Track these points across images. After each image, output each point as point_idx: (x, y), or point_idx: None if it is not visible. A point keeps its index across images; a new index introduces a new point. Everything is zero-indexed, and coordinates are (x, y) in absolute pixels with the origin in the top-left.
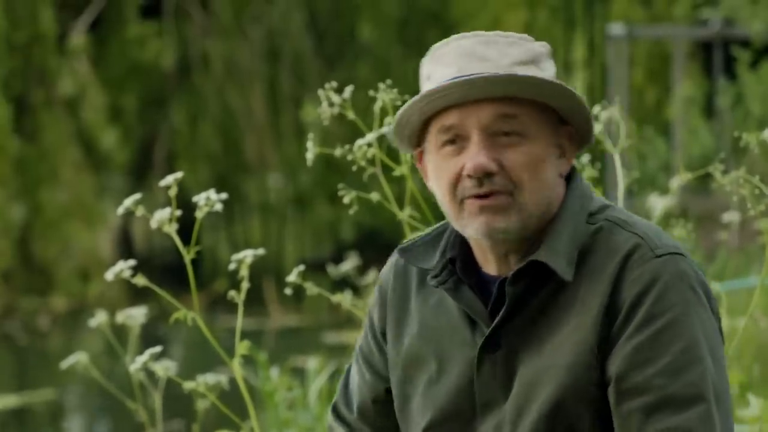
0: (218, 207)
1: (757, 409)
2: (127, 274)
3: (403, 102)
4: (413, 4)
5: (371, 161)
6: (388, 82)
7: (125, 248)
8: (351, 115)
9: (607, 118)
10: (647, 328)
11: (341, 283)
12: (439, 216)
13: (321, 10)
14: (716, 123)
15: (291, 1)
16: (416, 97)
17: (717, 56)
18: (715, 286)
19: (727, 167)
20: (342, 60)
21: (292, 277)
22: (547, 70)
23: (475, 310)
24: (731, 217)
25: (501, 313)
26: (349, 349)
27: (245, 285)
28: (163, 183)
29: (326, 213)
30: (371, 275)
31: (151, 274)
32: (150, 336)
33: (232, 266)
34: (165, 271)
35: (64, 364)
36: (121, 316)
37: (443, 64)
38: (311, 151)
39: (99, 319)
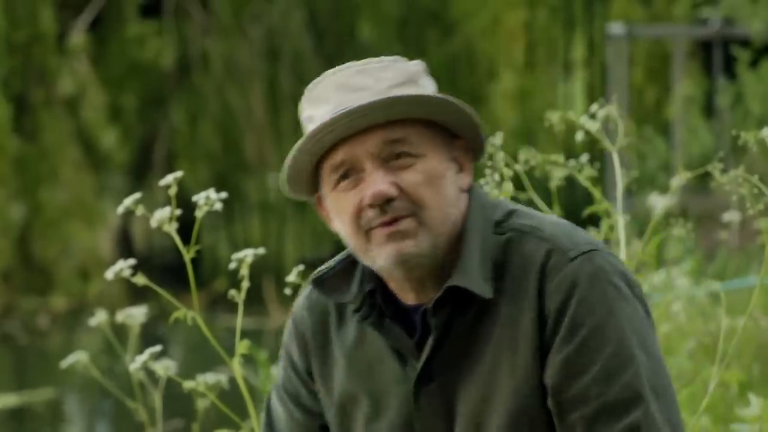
0: (218, 206)
1: (758, 408)
2: (127, 273)
3: None
4: (413, 3)
5: None
6: None
7: (125, 248)
8: None
9: (605, 116)
10: (575, 338)
11: None
12: None
13: (321, 9)
14: (716, 122)
15: (291, 1)
16: (301, 141)
17: (717, 55)
18: (715, 286)
19: (727, 166)
20: (342, 59)
21: (292, 277)
22: (426, 87)
23: (402, 343)
24: (731, 216)
25: (429, 346)
26: None
27: (245, 284)
28: (163, 182)
29: None
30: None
31: (151, 273)
32: (150, 335)
33: (232, 265)
34: (164, 270)
35: (64, 363)
36: (121, 316)
37: (321, 103)
38: None
39: (99, 318)
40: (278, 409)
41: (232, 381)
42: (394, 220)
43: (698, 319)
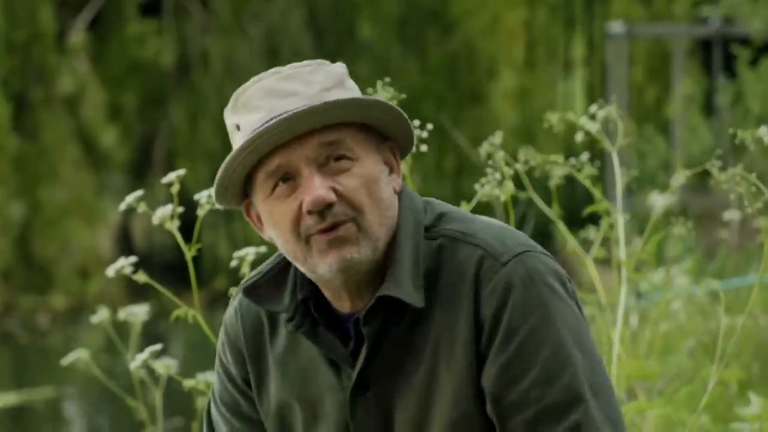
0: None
1: (758, 407)
2: (128, 270)
3: (400, 102)
4: (413, 2)
5: None
6: (387, 80)
7: (125, 246)
8: None
9: (605, 116)
10: (511, 343)
11: None
12: None
13: (320, 8)
14: (716, 121)
15: (290, 0)
16: (234, 153)
17: (717, 54)
18: (715, 284)
19: (727, 165)
20: (341, 58)
21: None
22: (352, 90)
23: (336, 352)
24: (731, 215)
25: (362, 355)
26: None
27: None
28: (165, 180)
29: None
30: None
31: (151, 272)
32: (149, 334)
33: (233, 264)
34: (164, 269)
35: (64, 361)
36: (122, 314)
37: (250, 110)
38: None
39: (100, 315)
40: (218, 421)
41: None
42: (333, 226)
43: (698, 317)
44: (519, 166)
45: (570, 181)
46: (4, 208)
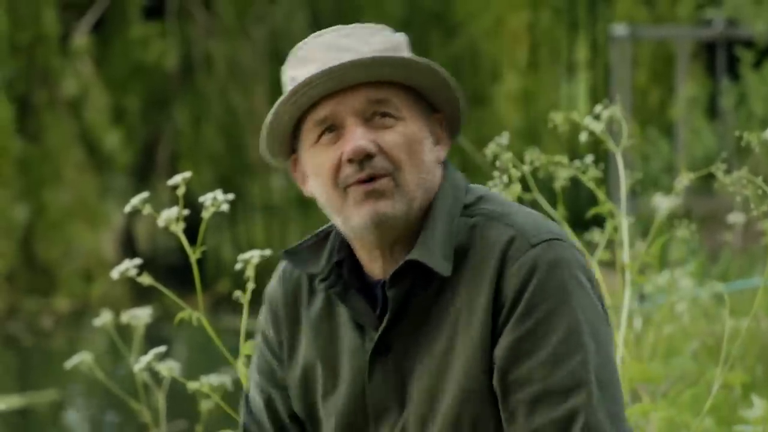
0: (224, 207)
1: (762, 410)
2: (132, 272)
3: None
4: (416, 4)
5: None
6: None
7: (128, 249)
8: None
9: (609, 117)
10: (527, 321)
11: None
12: None
13: (324, 10)
14: (719, 123)
15: (294, 2)
16: (283, 97)
17: (720, 57)
18: (719, 287)
19: (731, 167)
20: None
21: None
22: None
23: (363, 315)
24: (735, 217)
25: (386, 317)
26: None
27: (251, 285)
28: (171, 182)
29: None
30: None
31: (155, 275)
32: (153, 336)
33: (238, 266)
34: (168, 272)
35: (68, 364)
36: (125, 316)
37: (307, 63)
38: None
39: (104, 318)
40: (255, 398)
41: (236, 382)
42: (371, 178)
43: (702, 320)
44: (524, 168)
45: (574, 183)
46: (7, 210)
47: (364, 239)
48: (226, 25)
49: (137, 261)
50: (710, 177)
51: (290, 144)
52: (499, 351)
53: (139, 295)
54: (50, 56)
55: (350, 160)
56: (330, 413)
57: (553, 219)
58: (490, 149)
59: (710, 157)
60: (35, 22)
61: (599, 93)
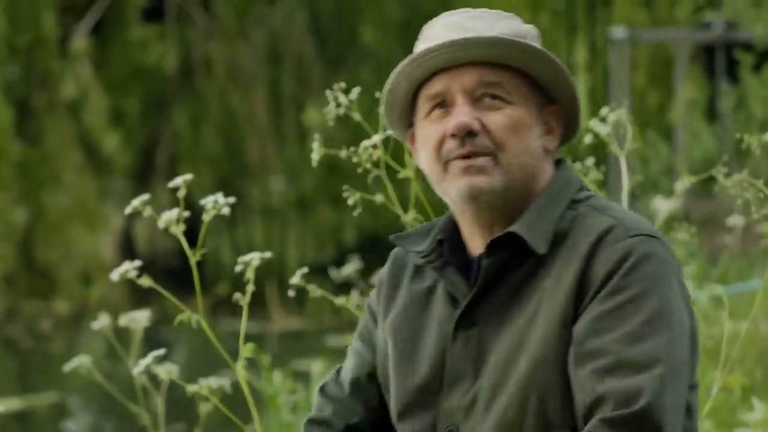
0: (225, 210)
1: (761, 412)
2: (132, 274)
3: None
4: (415, 6)
5: (376, 164)
6: None
7: (127, 252)
8: (357, 116)
9: (615, 120)
10: (612, 299)
11: (343, 287)
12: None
13: (323, 12)
14: (718, 126)
15: (293, 4)
16: (401, 64)
17: (719, 59)
18: (718, 290)
19: (730, 170)
20: (344, 62)
21: (295, 280)
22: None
23: (458, 288)
24: (734, 220)
25: (476, 286)
26: None
27: (250, 288)
28: (172, 184)
29: (328, 216)
30: (374, 278)
31: (154, 277)
32: (152, 339)
33: (237, 269)
34: (167, 274)
35: (67, 367)
36: (124, 319)
37: (431, 40)
38: (316, 152)
39: (102, 321)
40: (349, 354)
41: (235, 385)
42: (471, 154)
43: (701, 322)
44: None
45: None
46: (7, 213)
47: (464, 213)
48: (226, 28)
49: (136, 263)
50: (709, 180)
51: (408, 117)
52: (580, 324)
53: (139, 297)
54: (49, 59)
55: (453, 135)
56: (407, 376)
57: None
58: None
59: (709, 160)
60: (34, 25)
61: (598, 96)
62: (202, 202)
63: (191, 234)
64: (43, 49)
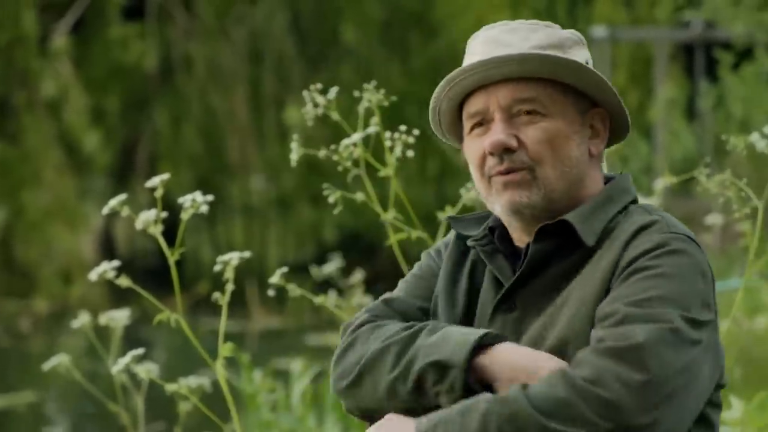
0: (204, 209)
1: (739, 411)
2: (111, 274)
3: (384, 105)
4: (396, 5)
5: (356, 162)
6: (373, 83)
7: (107, 251)
8: (335, 116)
9: None
10: (635, 276)
11: (324, 285)
12: (423, 218)
13: (304, 11)
14: (698, 125)
15: (274, 3)
16: (440, 85)
17: (699, 58)
18: None
19: (710, 169)
20: (325, 62)
21: (275, 279)
22: (575, 56)
23: (504, 272)
24: (714, 219)
25: (520, 269)
26: (332, 351)
27: (230, 287)
28: (149, 184)
29: (309, 215)
30: (355, 277)
31: (133, 277)
32: (131, 339)
33: (217, 268)
34: (147, 274)
35: (46, 366)
36: (103, 318)
37: (471, 56)
38: (295, 151)
39: (82, 320)
40: (399, 290)
41: (215, 384)
42: (509, 171)
43: None
44: None
45: None
46: None
47: (510, 222)
48: (206, 26)
49: (116, 263)
50: (689, 179)
51: (459, 132)
52: (605, 300)
53: (118, 297)
54: (29, 57)
55: (491, 153)
56: None
57: None
58: None
59: (689, 159)
60: (14, 23)
61: None
62: (180, 200)
63: (172, 233)
64: (23, 47)
